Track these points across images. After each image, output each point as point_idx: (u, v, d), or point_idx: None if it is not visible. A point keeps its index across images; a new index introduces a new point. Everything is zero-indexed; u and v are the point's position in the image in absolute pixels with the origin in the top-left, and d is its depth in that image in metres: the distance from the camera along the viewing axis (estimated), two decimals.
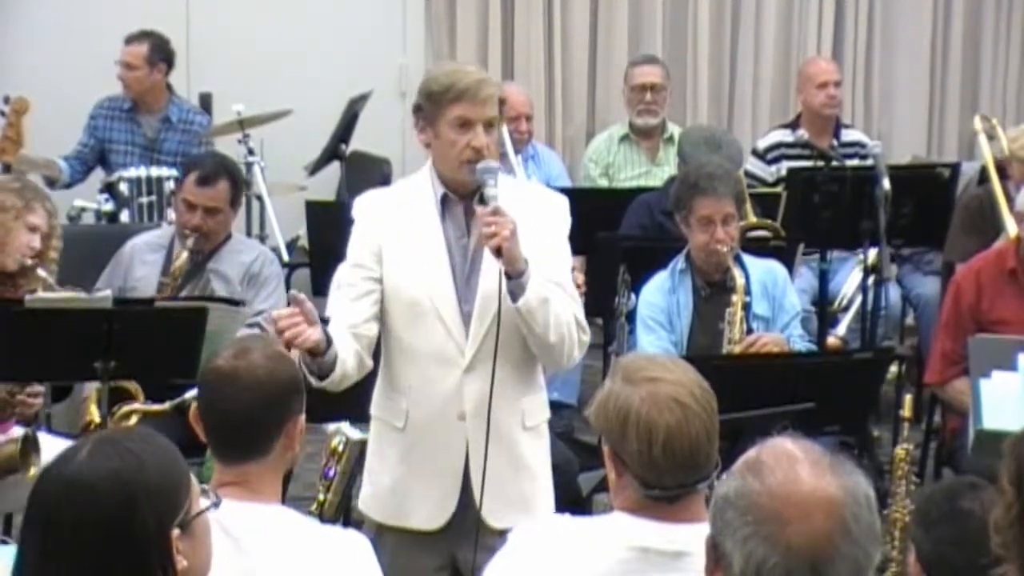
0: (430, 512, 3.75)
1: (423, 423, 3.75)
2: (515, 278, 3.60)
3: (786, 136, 7.21)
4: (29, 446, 4.53)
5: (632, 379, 2.66)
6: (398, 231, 3.74)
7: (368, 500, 3.88)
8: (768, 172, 7.08)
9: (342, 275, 3.86)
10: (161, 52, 7.14)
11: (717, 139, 6.34)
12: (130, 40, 7.11)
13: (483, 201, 3.63)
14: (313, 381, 3.59)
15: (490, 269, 3.67)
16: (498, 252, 3.55)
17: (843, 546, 2.07)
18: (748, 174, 6.84)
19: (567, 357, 3.77)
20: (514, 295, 3.61)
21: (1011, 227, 5.48)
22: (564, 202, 3.88)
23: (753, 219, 6.04)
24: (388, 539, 3.78)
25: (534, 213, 3.74)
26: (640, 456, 2.60)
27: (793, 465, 2.11)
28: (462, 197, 3.74)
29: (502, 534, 3.49)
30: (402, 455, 3.79)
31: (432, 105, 3.70)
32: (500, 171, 3.69)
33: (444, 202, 3.75)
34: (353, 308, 3.73)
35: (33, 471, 4.52)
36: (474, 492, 3.70)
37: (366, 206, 3.84)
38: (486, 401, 3.65)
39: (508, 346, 3.69)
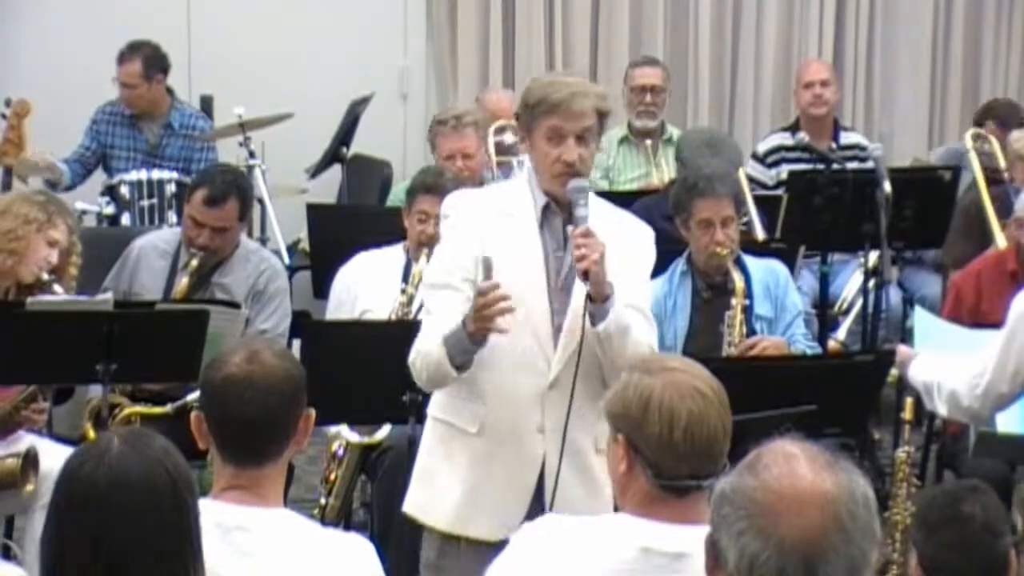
0: (495, 523, 3.63)
1: (501, 431, 3.68)
2: (599, 302, 3.59)
3: (786, 139, 7.22)
4: (29, 463, 4.53)
5: (650, 370, 2.68)
6: (497, 235, 3.68)
7: (423, 505, 3.78)
8: (768, 176, 7.08)
9: (438, 275, 3.74)
10: (156, 63, 7.08)
11: (717, 141, 6.34)
12: (122, 59, 7.05)
13: (575, 220, 3.61)
14: (453, 372, 3.60)
15: (582, 286, 3.64)
16: (585, 275, 3.55)
17: (837, 542, 2.06)
18: (748, 178, 6.85)
19: None
20: (594, 319, 3.59)
21: (1000, 240, 5.51)
22: (651, 234, 3.86)
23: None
24: (451, 551, 3.71)
25: (622, 240, 3.73)
26: (660, 440, 2.61)
27: (790, 461, 2.11)
28: (563, 209, 3.71)
29: None
30: (475, 461, 3.70)
31: (528, 116, 3.70)
32: (591, 191, 3.68)
33: (544, 212, 3.72)
34: (456, 316, 3.63)
35: (29, 488, 4.53)
36: (546, 510, 3.62)
37: (462, 205, 3.77)
38: (563, 418, 3.63)
39: (593, 367, 3.66)
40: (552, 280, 3.69)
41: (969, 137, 6.52)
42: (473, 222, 3.71)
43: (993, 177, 6.43)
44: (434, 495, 3.76)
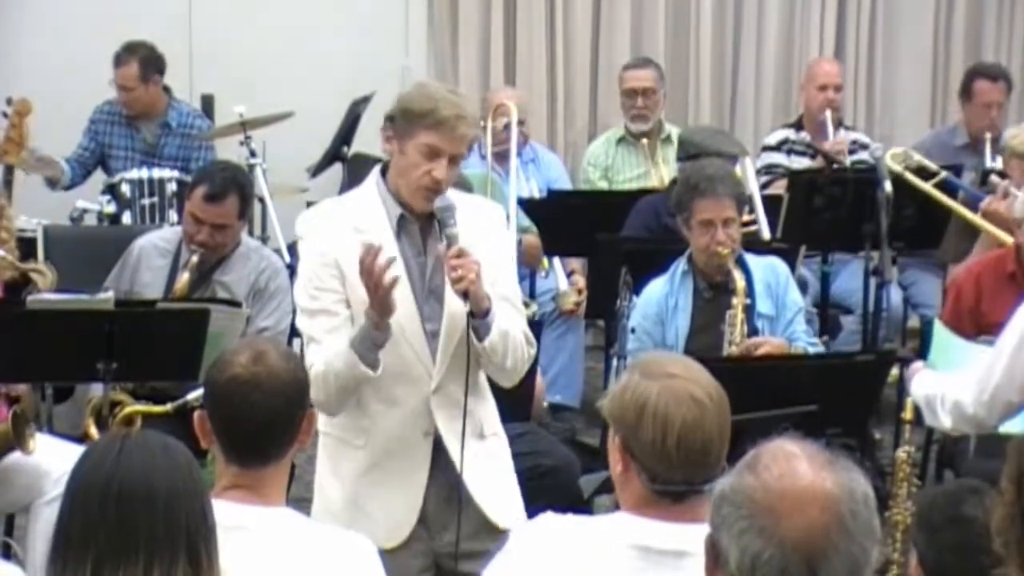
0: (387, 530, 3.69)
1: (387, 441, 3.73)
2: (480, 317, 3.62)
3: (790, 135, 7.25)
4: (21, 423, 4.51)
5: (651, 373, 2.66)
6: (354, 252, 3.64)
7: (321, 515, 3.78)
8: (787, 160, 7.09)
9: (309, 302, 3.72)
10: (152, 65, 7.09)
11: (723, 130, 6.35)
12: (118, 61, 7.06)
13: (446, 239, 3.63)
14: (368, 372, 3.59)
15: (451, 290, 3.67)
16: (465, 295, 3.57)
17: (839, 541, 2.07)
18: (769, 167, 6.87)
19: (518, 375, 3.83)
20: (478, 332, 3.63)
21: (996, 231, 5.50)
22: (501, 212, 3.92)
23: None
24: None
25: (477, 228, 3.74)
26: (653, 447, 2.60)
27: (790, 461, 2.12)
28: (418, 217, 3.72)
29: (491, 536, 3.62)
30: (362, 472, 3.75)
31: (406, 123, 3.65)
32: (456, 209, 3.66)
33: (400, 221, 3.72)
34: (340, 336, 3.65)
35: (32, 445, 4.51)
36: (482, 499, 3.72)
37: (316, 225, 3.76)
38: (455, 419, 3.68)
39: (472, 365, 3.71)
40: (417, 286, 3.71)
41: (890, 160, 6.38)
42: (328, 242, 3.70)
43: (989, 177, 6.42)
44: (325, 508, 3.80)
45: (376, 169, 3.80)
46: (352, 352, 3.59)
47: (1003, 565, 2.57)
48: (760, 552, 2.07)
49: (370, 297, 3.55)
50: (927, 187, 6.09)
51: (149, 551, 2.37)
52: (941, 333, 4.64)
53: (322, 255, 3.70)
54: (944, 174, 6.20)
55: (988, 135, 6.92)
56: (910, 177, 6.13)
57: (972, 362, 4.23)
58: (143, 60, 7.06)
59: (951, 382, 4.11)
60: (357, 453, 3.75)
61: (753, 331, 4.96)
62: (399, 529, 3.73)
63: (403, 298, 3.66)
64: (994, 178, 5.53)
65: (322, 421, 3.78)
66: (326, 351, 3.64)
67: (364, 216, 3.72)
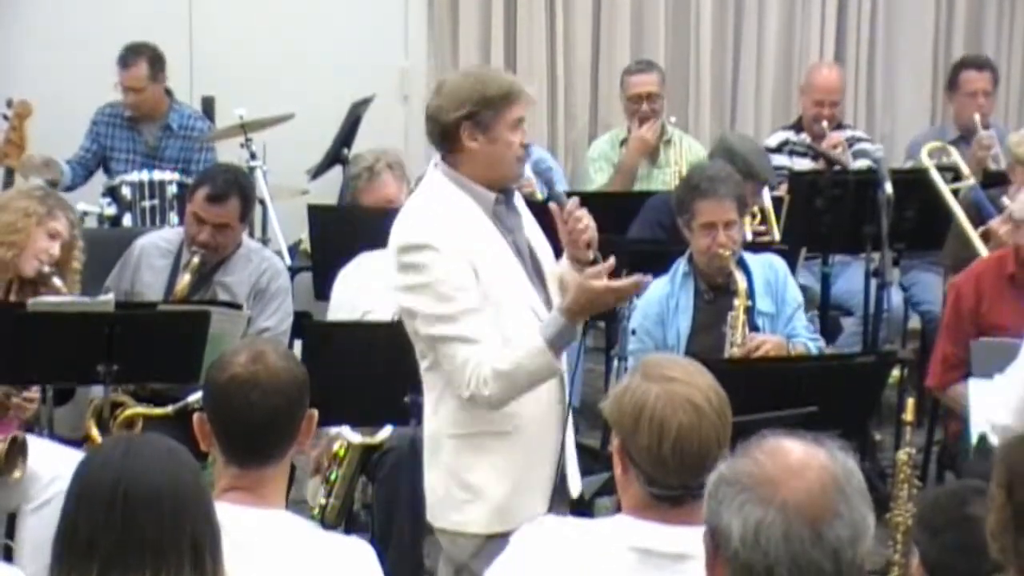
0: (541, 499, 3.72)
1: (532, 419, 3.72)
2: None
3: (790, 136, 7.26)
4: (16, 449, 4.52)
5: (650, 376, 2.67)
6: (472, 248, 3.65)
7: (482, 519, 3.71)
8: (791, 162, 7.09)
9: (444, 307, 3.64)
10: (158, 63, 7.10)
11: (763, 151, 6.35)
12: (126, 62, 7.04)
13: (552, 199, 3.78)
14: (562, 368, 3.70)
15: (546, 256, 3.81)
16: (588, 245, 3.67)
17: (839, 504, 2.10)
18: (775, 169, 6.87)
19: None
20: None
21: (983, 251, 5.51)
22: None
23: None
24: (491, 546, 3.67)
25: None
26: (649, 452, 2.61)
27: (780, 442, 2.16)
28: (505, 194, 3.78)
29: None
30: (517, 455, 3.73)
31: (490, 111, 3.66)
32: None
33: (495, 206, 3.73)
34: (495, 329, 3.65)
35: (17, 475, 4.52)
36: (568, 469, 3.82)
37: (439, 231, 3.67)
38: (568, 378, 3.78)
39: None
40: (522, 263, 3.74)
41: (925, 154, 6.40)
42: (456, 243, 3.65)
43: (990, 180, 6.42)
44: (481, 504, 3.73)
45: (435, 169, 3.77)
46: (549, 350, 3.58)
47: (1003, 571, 2.57)
48: (762, 518, 2.09)
49: (603, 296, 3.59)
50: (945, 190, 6.08)
51: (156, 559, 2.34)
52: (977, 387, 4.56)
53: (450, 256, 3.64)
54: (971, 181, 6.20)
55: (976, 117, 6.92)
56: (935, 176, 6.13)
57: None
58: (150, 60, 7.07)
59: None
60: (506, 440, 3.71)
61: (754, 329, 4.97)
62: (545, 498, 3.73)
63: (522, 278, 3.72)
64: (1004, 200, 5.53)
65: (450, 426, 3.72)
66: (504, 349, 3.60)
67: (458, 213, 3.69)
